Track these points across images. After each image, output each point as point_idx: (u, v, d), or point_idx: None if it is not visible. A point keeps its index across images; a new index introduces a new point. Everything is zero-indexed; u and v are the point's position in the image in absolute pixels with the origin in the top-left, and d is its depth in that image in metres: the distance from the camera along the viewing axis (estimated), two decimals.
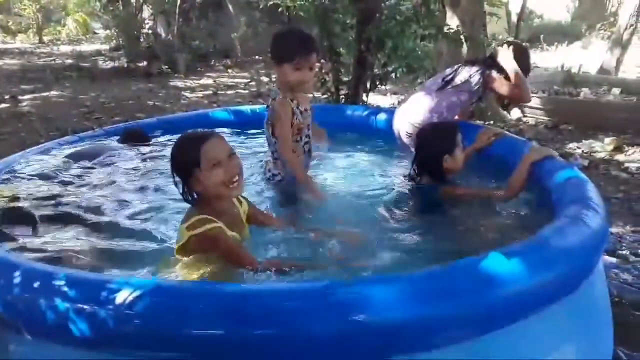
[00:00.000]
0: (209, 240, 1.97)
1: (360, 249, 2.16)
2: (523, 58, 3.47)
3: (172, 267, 2.01)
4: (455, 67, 3.59)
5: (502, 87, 3.43)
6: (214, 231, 1.96)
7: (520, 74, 3.38)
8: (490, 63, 3.48)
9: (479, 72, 3.43)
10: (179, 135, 2.20)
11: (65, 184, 3.02)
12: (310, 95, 3.16)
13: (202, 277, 1.94)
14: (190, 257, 2.00)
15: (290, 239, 2.26)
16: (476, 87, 3.45)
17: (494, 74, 3.42)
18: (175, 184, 2.08)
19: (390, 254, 2.11)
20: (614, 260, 3.21)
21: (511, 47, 3.45)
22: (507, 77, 3.40)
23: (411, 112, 3.53)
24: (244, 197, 2.29)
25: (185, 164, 2.03)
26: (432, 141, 2.78)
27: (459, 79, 3.46)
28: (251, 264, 1.95)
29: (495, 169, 2.96)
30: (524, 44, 4.15)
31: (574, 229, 1.80)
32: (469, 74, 3.45)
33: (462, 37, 5.29)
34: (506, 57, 3.40)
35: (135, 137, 3.79)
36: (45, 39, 19.36)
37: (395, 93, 8.59)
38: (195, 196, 2.07)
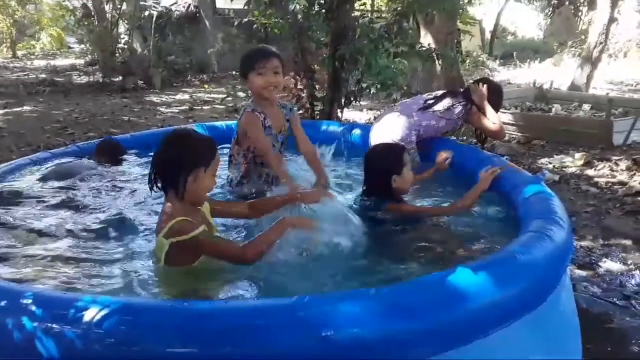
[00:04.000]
0: (192, 246, 2.00)
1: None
2: (496, 96, 3.68)
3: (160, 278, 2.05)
4: (439, 93, 3.75)
5: (481, 123, 3.65)
6: (196, 238, 1.97)
7: (495, 113, 3.62)
8: (468, 97, 3.63)
9: (462, 104, 3.60)
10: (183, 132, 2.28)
11: (42, 203, 2.96)
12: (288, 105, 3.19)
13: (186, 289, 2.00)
14: (175, 268, 2.04)
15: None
16: (457, 118, 3.64)
17: (474, 109, 3.62)
18: (152, 175, 2.06)
19: (338, 269, 2.16)
20: (583, 273, 3.26)
21: (485, 86, 3.62)
22: (483, 113, 3.63)
23: (390, 128, 3.62)
24: None
25: (195, 160, 2.04)
26: (380, 162, 2.75)
27: (441, 105, 3.62)
28: (240, 256, 2.01)
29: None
30: (498, 82, 4.36)
31: (539, 243, 1.83)
32: (451, 104, 3.62)
33: (433, 55, 5.38)
34: (482, 96, 3.60)
35: (109, 151, 3.74)
36: (19, 53, 19.16)
37: (371, 109, 8.66)
38: (177, 194, 2.05)
